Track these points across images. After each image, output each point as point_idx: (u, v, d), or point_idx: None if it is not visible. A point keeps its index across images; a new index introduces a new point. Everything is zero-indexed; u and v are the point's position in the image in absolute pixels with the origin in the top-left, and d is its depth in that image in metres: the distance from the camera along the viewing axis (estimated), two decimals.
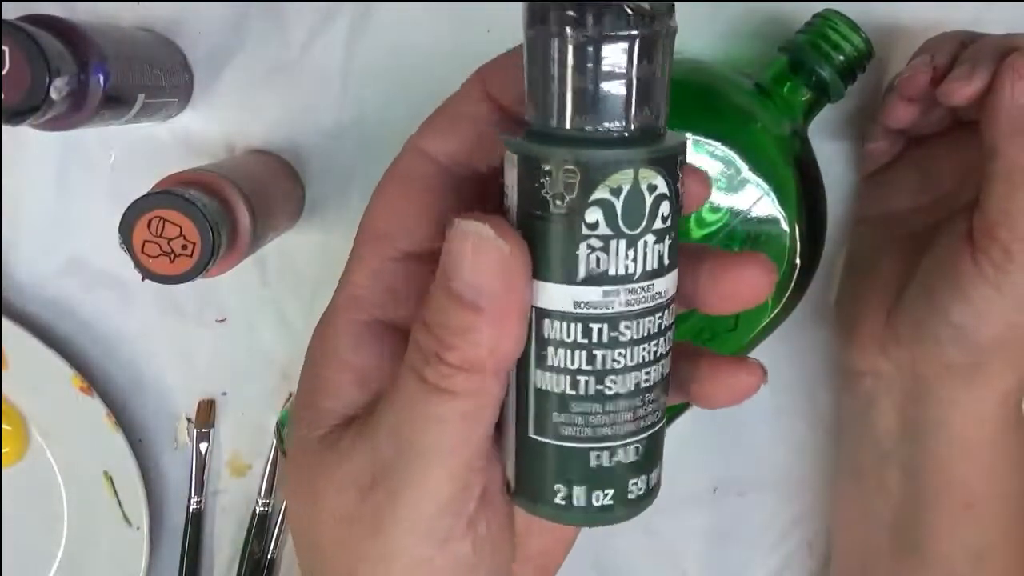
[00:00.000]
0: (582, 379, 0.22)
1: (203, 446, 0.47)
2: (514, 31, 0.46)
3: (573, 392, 0.23)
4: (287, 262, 0.45)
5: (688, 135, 0.37)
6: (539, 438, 0.23)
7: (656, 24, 0.20)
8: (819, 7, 0.40)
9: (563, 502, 0.23)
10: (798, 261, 0.38)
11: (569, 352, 0.22)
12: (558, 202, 0.21)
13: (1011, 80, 0.34)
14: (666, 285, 0.22)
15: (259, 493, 0.47)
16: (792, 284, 0.38)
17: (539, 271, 0.22)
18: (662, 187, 0.21)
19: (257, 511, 0.47)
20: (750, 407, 0.47)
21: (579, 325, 0.22)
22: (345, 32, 0.43)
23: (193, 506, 0.47)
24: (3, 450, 0.46)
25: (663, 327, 0.23)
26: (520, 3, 0.21)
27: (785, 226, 0.38)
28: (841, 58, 0.39)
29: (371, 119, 0.44)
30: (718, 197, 0.37)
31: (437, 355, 0.22)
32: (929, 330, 0.37)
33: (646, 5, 0.20)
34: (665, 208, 0.21)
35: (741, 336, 0.39)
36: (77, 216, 0.45)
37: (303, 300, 0.46)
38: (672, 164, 0.21)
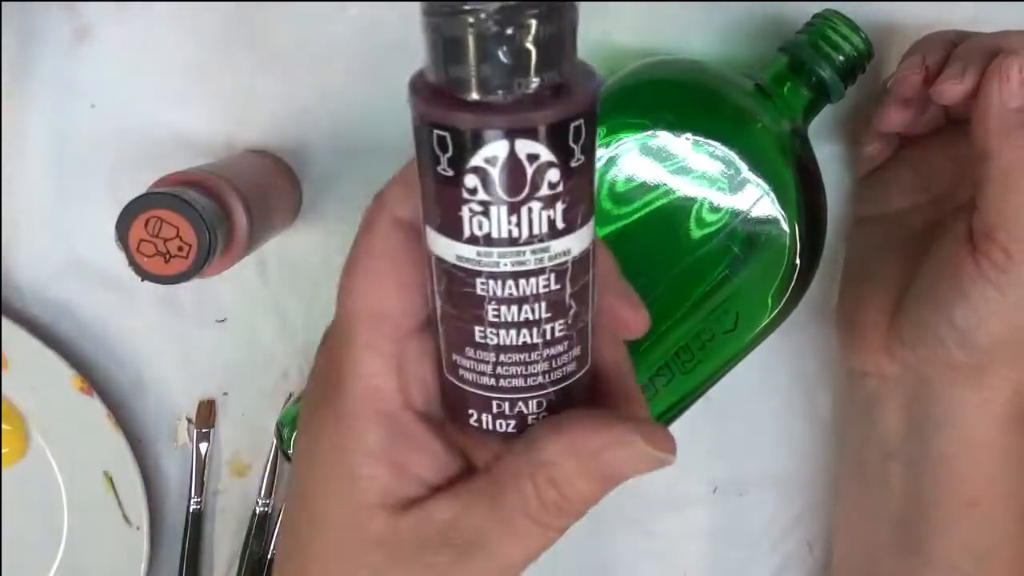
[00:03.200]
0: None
1: (203, 446, 0.47)
2: None
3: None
4: (287, 262, 0.46)
5: (688, 135, 0.37)
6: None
7: None
8: (819, 7, 0.40)
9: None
10: (798, 261, 0.38)
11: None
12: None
13: (999, 82, 0.34)
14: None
15: (259, 493, 0.47)
16: (792, 284, 0.38)
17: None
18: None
19: (257, 511, 0.47)
20: (750, 407, 0.47)
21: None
22: (346, 31, 0.43)
23: (193, 506, 0.47)
24: (3, 450, 0.46)
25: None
26: None
27: (785, 226, 0.38)
28: (841, 58, 0.39)
29: (370, 118, 0.44)
30: (718, 197, 0.37)
31: (556, 506, 0.24)
32: (932, 332, 0.37)
33: None
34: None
35: (741, 337, 0.39)
36: (77, 216, 0.45)
37: (303, 300, 0.46)
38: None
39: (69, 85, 0.44)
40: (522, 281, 0.22)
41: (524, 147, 0.21)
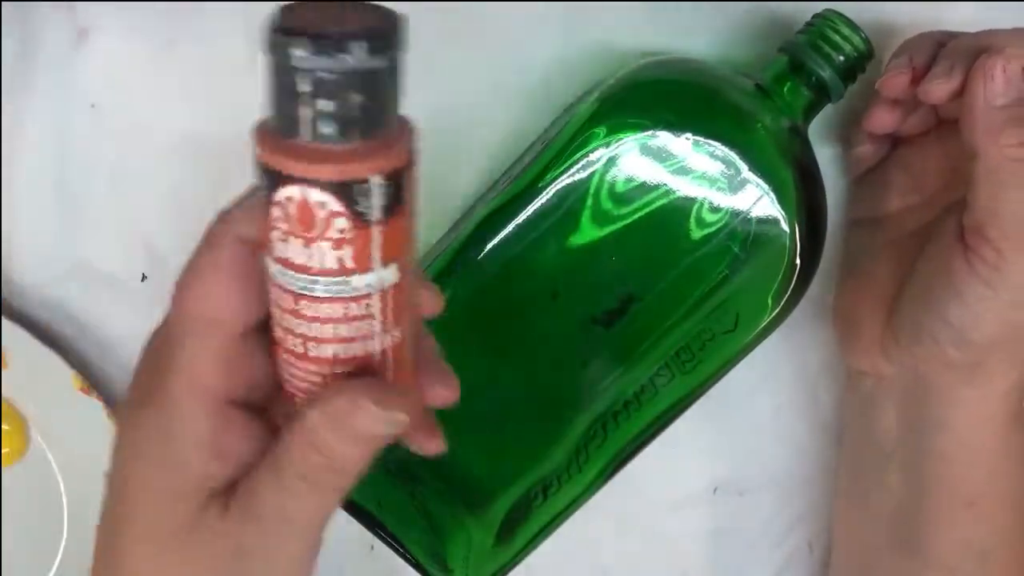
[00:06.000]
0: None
1: None
2: (510, 32, 0.46)
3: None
4: None
5: (688, 135, 0.37)
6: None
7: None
8: (819, 7, 0.40)
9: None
10: (798, 261, 0.38)
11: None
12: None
13: (983, 81, 0.35)
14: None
15: None
16: (792, 284, 0.38)
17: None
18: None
19: None
20: (750, 407, 0.47)
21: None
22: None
23: None
24: (3, 450, 0.46)
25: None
26: None
27: (785, 226, 0.38)
28: (841, 59, 0.39)
29: None
30: (718, 197, 0.37)
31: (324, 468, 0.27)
32: (927, 331, 0.37)
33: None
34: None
35: (740, 337, 0.39)
36: (77, 217, 0.45)
37: None
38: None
39: (69, 85, 0.44)
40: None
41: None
